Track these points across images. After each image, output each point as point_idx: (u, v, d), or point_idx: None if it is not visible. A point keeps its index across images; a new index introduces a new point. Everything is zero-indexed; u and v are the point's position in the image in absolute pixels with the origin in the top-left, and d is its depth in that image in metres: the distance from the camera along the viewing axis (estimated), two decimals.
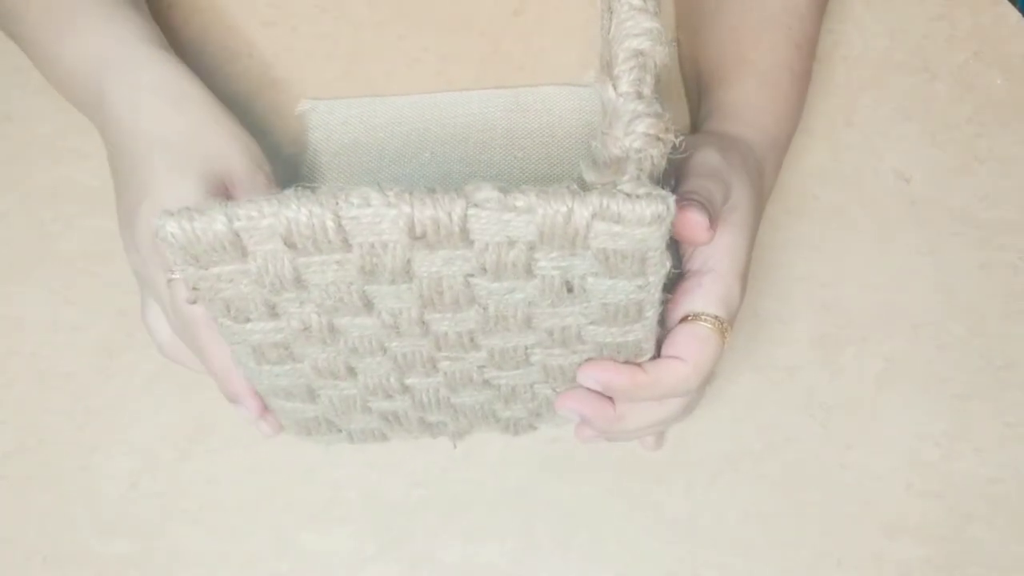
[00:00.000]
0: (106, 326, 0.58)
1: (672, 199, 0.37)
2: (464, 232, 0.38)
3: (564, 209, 0.37)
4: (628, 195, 0.37)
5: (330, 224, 0.37)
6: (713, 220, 0.45)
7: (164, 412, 0.56)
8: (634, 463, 0.55)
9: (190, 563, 0.52)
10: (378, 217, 0.37)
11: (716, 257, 0.47)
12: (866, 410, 0.56)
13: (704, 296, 0.47)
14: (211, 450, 0.55)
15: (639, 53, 0.41)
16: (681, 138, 0.41)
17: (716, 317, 0.46)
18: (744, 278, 0.48)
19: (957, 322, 0.58)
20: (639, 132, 0.39)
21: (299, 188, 0.37)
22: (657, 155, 0.39)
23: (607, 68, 0.42)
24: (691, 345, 0.46)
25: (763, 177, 0.53)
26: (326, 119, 0.62)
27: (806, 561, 0.52)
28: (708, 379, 0.47)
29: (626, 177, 0.38)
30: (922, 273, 0.59)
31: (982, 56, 0.66)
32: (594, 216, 0.37)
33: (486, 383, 0.48)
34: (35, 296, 0.59)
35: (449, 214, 0.37)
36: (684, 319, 0.47)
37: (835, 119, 0.64)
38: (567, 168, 0.59)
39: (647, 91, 0.40)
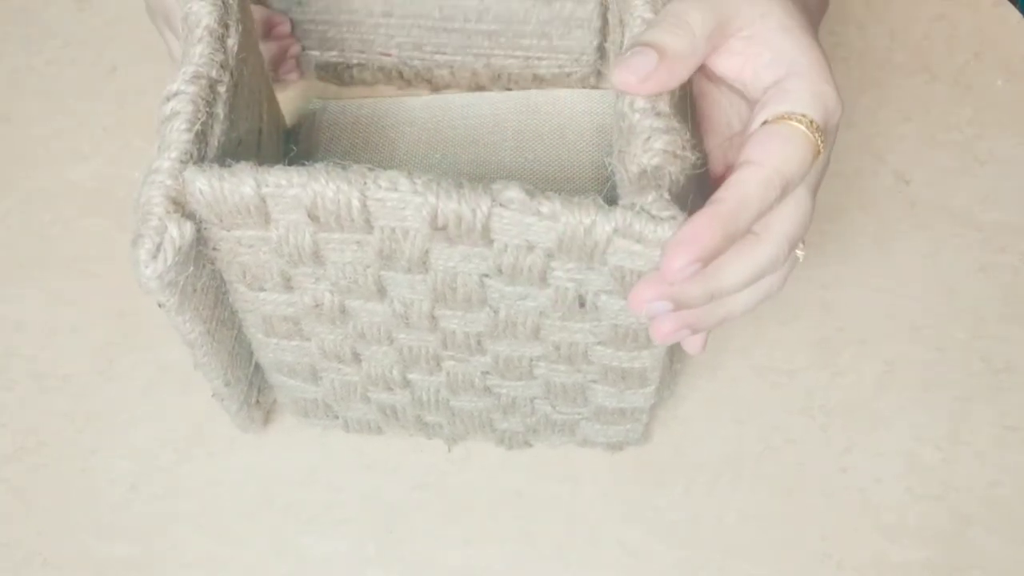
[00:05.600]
0: (105, 328, 0.58)
1: None
2: (486, 230, 0.38)
3: (587, 220, 0.37)
4: (652, 216, 0.37)
5: (355, 203, 0.37)
6: (644, 77, 0.38)
7: (164, 414, 0.56)
8: (634, 466, 0.55)
9: (190, 565, 0.52)
10: (403, 203, 0.37)
11: (785, 62, 0.39)
12: (866, 412, 0.56)
13: (788, 98, 0.38)
14: (211, 452, 0.55)
15: None
16: (699, 155, 0.40)
17: (804, 115, 0.38)
18: (833, 81, 0.39)
19: (957, 324, 0.58)
20: (657, 149, 0.39)
21: (330, 163, 0.38)
22: (675, 172, 0.38)
23: None
24: (769, 144, 0.37)
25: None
26: (337, 119, 0.62)
27: (806, 564, 0.52)
28: (806, 192, 0.39)
29: (650, 197, 0.37)
30: (922, 275, 0.59)
31: (982, 57, 0.66)
32: (615, 231, 0.37)
33: (487, 390, 0.48)
34: (34, 298, 0.59)
35: (473, 210, 0.37)
36: (763, 124, 0.39)
37: None
38: (577, 171, 0.59)
39: (664, 107, 0.40)
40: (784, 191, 0.38)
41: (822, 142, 0.38)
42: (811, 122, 0.38)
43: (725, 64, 0.41)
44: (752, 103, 0.41)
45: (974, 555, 0.52)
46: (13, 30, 0.68)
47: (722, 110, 0.45)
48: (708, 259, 0.36)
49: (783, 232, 0.39)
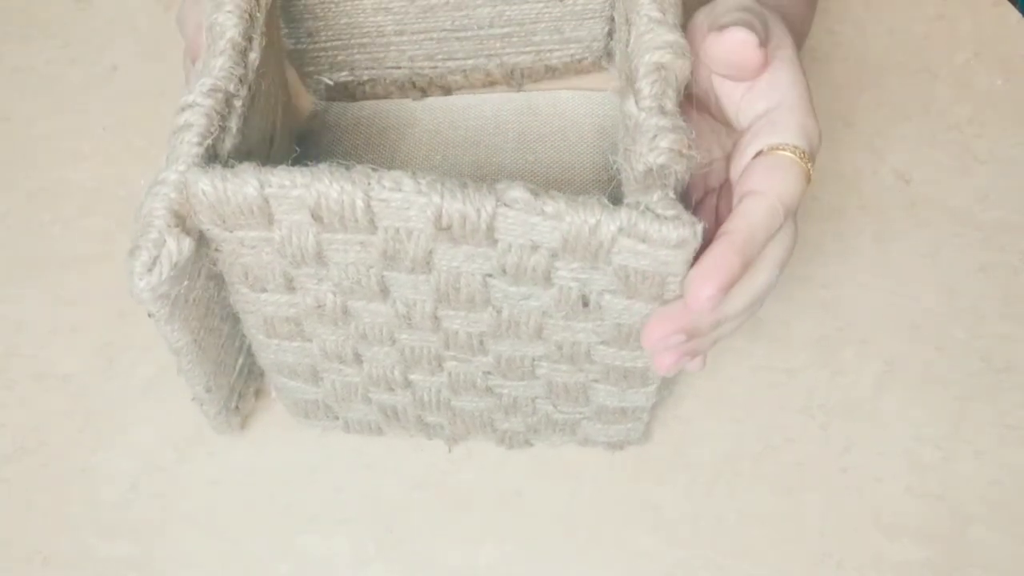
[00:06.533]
0: (106, 327, 0.58)
1: (700, 226, 0.37)
2: (490, 230, 0.38)
3: (592, 220, 0.37)
4: (657, 215, 0.37)
5: (359, 203, 0.37)
6: (762, 41, 0.40)
7: (164, 413, 0.56)
8: (634, 465, 0.55)
9: (190, 565, 0.52)
10: (407, 203, 0.37)
11: (779, 92, 0.42)
12: (866, 411, 0.56)
13: (778, 129, 0.41)
14: (211, 452, 0.55)
15: (660, 67, 0.41)
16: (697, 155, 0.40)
17: (796, 147, 0.40)
18: (815, 114, 0.42)
19: (957, 323, 0.58)
20: (663, 148, 0.39)
21: (334, 164, 0.37)
22: (681, 171, 0.39)
23: (628, 81, 0.41)
24: (770, 175, 0.40)
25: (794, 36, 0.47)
26: (338, 120, 0.62)
27: (806, 563, 0.52)
28: (792, 218, 0.41)
29: (656, 196, 0.37)
30: (922, 274, 0.59)
31: (982, 56, 0.66)
32: (620, 231, 0.37)
33: (488, 390, 0.48)
34: (34, 298, 0.59)
35: (478, 210, 0.37)
36: (757, 155, 0.41)
37: (835, 119, 0.64)
38: (579, 172, 0.59)
39: (670, 105, 0.40)
40: (786, 217, 0.40)
41: (811, 170, 0.40)
42: (802, 153, 0.40)
43: (727, 84, 0.43)
44: (735, 129, 0.43)
45: (974, 554, 0.52)
46: (13, 30, 0.68)
47: (703, 136, 0.46)
48: (730, 287, 0.38)
49: (776, 258, 0.41)
